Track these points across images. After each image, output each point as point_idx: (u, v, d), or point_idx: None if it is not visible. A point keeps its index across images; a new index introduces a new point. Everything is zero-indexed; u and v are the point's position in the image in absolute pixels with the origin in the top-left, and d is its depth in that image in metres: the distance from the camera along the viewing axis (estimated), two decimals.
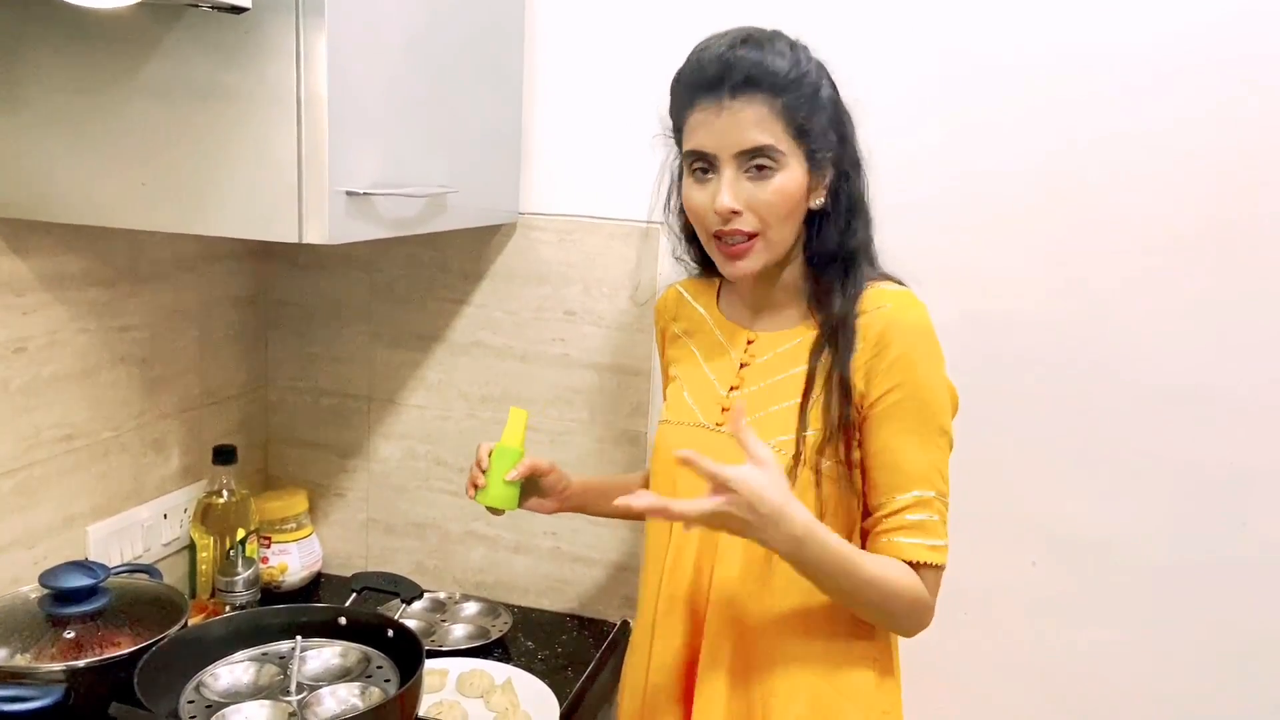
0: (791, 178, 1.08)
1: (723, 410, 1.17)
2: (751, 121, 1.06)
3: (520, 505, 1.28)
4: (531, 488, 1.29)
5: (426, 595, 1.54)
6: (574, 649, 1.54)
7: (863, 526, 1.12)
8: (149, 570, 1.28)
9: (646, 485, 1.33)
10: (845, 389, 1.09)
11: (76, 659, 1.08)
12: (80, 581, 1.11)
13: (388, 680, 1.12)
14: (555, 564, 1.69)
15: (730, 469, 0.97)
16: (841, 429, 1.09)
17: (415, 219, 1.32)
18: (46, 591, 1.12)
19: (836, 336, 1.10)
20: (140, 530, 1.48)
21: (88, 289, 1.35)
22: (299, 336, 1.75)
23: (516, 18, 1.54)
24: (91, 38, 1.12)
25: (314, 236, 1.12)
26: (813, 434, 1.10)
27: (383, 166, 1.22)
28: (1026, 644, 1.51)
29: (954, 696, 1.53)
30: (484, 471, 1.25)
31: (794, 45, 1.10)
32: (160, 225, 1.16)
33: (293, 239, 1.12)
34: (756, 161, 1.07)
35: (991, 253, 1.44)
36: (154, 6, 1.08)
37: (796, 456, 1.10)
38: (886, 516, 1.08)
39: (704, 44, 1.11)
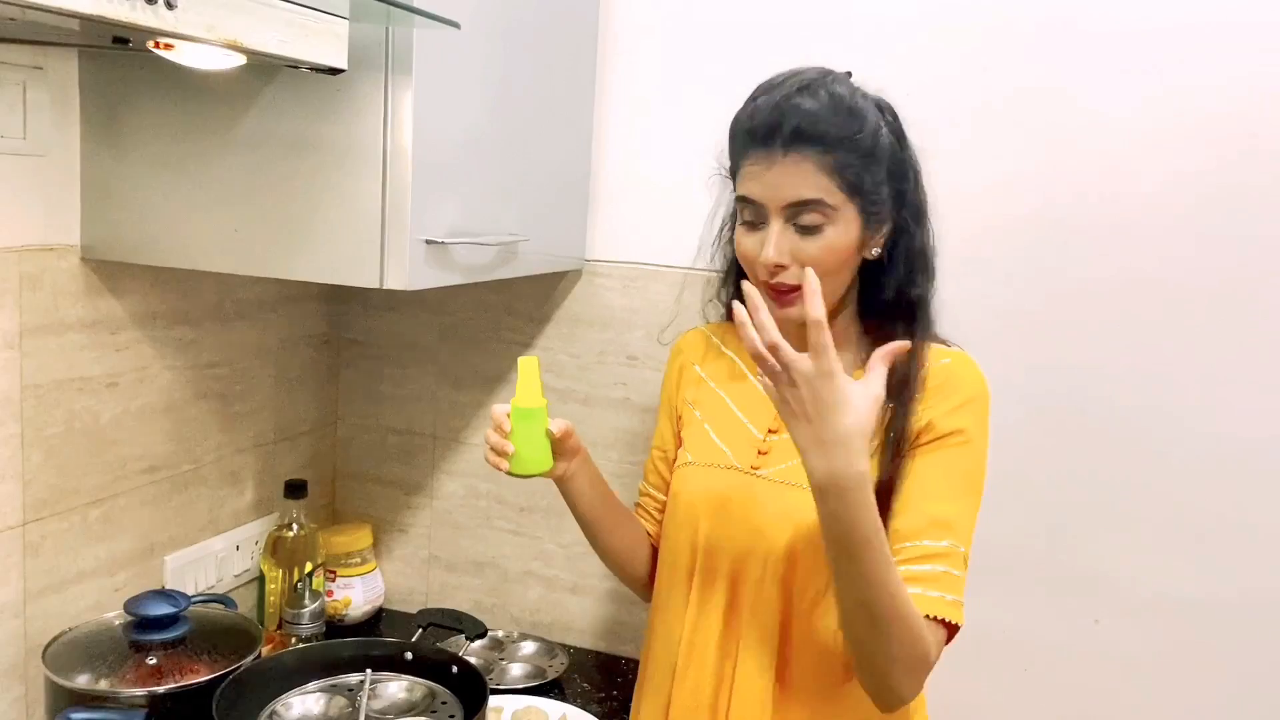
0: (842, 232, 1.06)
1: (759, 454, 1.15)
2: (801, 176, 1.05)
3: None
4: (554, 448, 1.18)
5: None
6: (630, 692, 1.55)
7: None
8: (224, 600, 1.33)
9: (654, 541, 1.30)
10: (899, 446, 1.06)
11: (157, 685, 1.12)
12: (163, 610, 1.16)
13: (452, 716, 1.15)
14: (613, 606, 1.70)
15: (800, 360, 0.91)
16: (891, 482, 1.06)
17: (487, 266, 1.37)
18: (130, 619, 1.16)
19: (900, 390, 1.07)
20: (214, 561, 1.53)
21: (175, 327, 1.42)
22: (369, 375, 1.80)
23: (588, 67, 1.59)
24: (192, 91, 1.19)
25: (394, 283, 1.17)
26: None
27: (459, 216, 1.26)
28: (1089, 700, 1.49)
29: None
30: (508, 436, 1.14)
31: (853, 94, 1.07)
32: (250, 270, 1.22)
33: (374, 285, 1.17)
34: (804, 217, 1.05)
35: (1058, 302, 1.44)
36: (253, 65, 1.14)
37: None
38: (910, 561, 1.02)
39: (763, 86, 1.10)
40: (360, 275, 1.18)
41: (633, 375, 1.64)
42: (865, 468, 0.91)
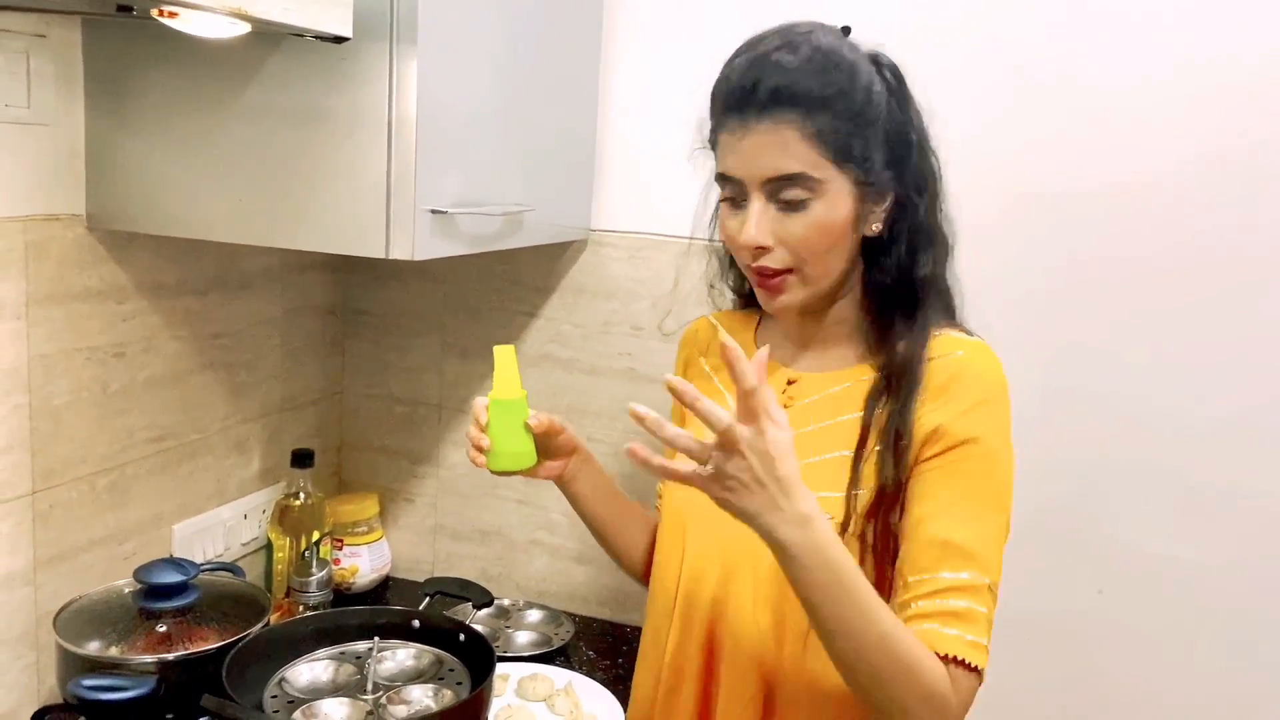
0: (832, 208, 0.94)
1: None
2: (781, 146, 0.92)
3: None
4: (540, 447, 1.10)
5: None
6: (636, 659, 1.57)
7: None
8: (233, 569, 1.34)
9: (653, 534, 1.21)
10: (899, 449, 0.94)
11: (167, 652, 1.13)
12: (173, 578, 1.17)
13: (459, 683, 1.16)
14: (618, 574, 1.70)
15: (739, 423, 0.80)
16: (895, 490, 0.94)
17: (493, 236, 1.36)
18: (140, 586, 1.18)
19: (898, 381, 0.96)
20: (222, 530, 1.54)
21: (182, 297, 1.42)
22: (374, 345, 1.81)
23: (594, 38, 1.58)
24: (197, 60, 1.18)
25: (399, 253, 1.17)
26: (864, 493, 0.95)
27: (464, 186, 1.26)
28: (1095, 672, 1.51)
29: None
30: (485, 429, 1.07)
31: (841, 47, 0.95)
32: (255, 239, 1.22)
33: (380, 254, 1.17)
34: (787, 193, 0.94)
35: (1062, 277, 1.44)
36: (258, 33, 1.13)
37: (846, 519, 0.94)
38: (923, 597, 0.89)
39: (745, 44, 0.98)
40: (365, 245, 1.18)
41: (638, 346, 1.64)
42: (815, 504, 0.83)
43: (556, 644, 1.57)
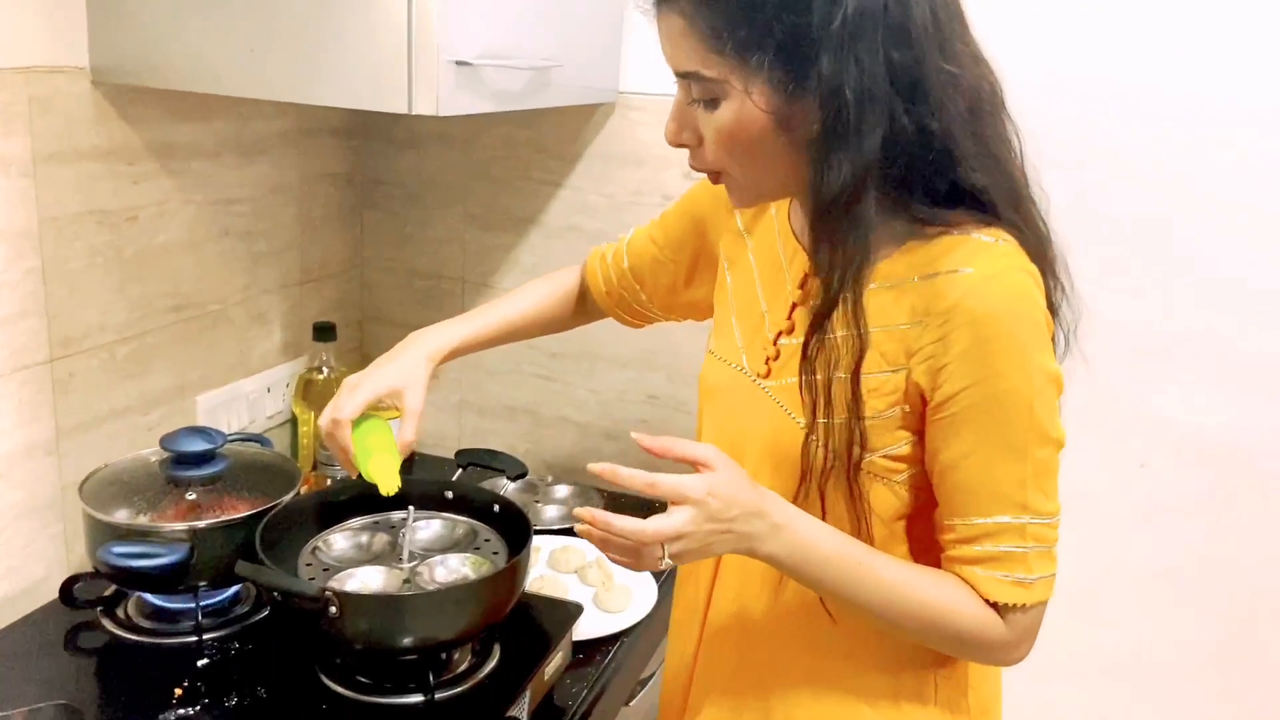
0: (740, 109, 0.80)
1: (767, 361, 0.94)
2: (674, 41, 0.82)
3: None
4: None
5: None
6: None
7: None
8: (260, 440, 1.31)
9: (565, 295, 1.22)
10: (822, 312, 0.83)
11: (198, 520, 1.11)
12: (200, 446, 1.14)
13: (495, 553, 1.14)
14: (647, 455, 1.69)
15: (682, 482, 0.80)
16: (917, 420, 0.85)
17: (520, 93, 1.29)
18: (167, 455, 1.15)
19: (821, 321, 0.83)
20: (245, 402, 1.52)
21: (193, 160, 1.35)
22: (394, 216, 1.74)
23: None
24: None
25: (423, 108, 1.10)
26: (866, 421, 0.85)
27: (490, 36, 1.18)
28: (1139, 548, 1.48)
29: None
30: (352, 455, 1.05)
31: None
32: (268, 93, 1.15)
33: (401, 109, 1.10)
34: (695, 89, 0.82)
35: (1105, 145, 1.36)
36: None
37: (849, 450, 0.85)
38: (958, 542, 0.84)
39: None
40: (386, 99, 1.11)
41: None
42: (779, 504, 0.84)
43: None
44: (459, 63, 1.12)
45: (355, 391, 1.07)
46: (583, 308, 1.25)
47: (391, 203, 1.74)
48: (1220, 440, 1.41)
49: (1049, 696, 1.48)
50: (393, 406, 1.09)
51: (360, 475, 1.06)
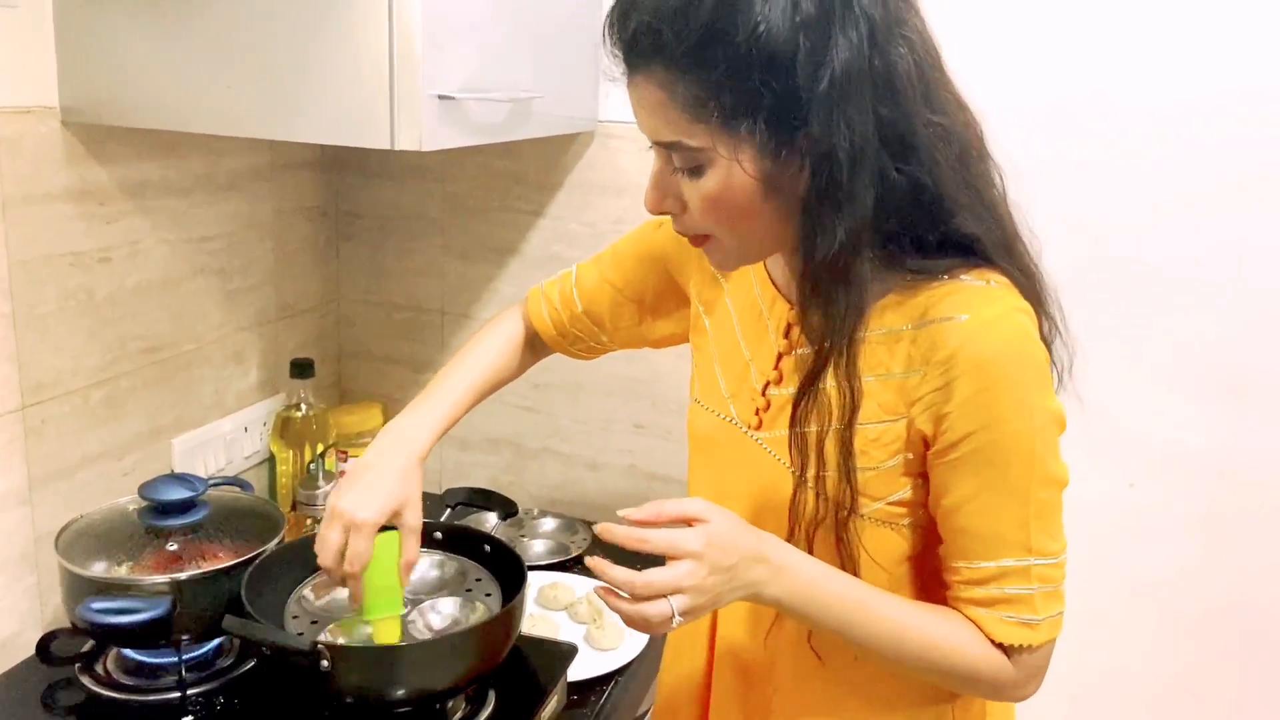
0: (728, 176, 0.77)
1: (757, 412, 0.91)
2: (651, 109, 0.78)
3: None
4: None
5: None
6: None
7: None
8: (241, 483, 1.27)
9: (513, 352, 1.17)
10: (823, 356, 0.81)
11: (179, 571, 1.07)
12: (180, 494, 1.10)
13: (488, 594, 1.11)
14: (631, 480, 1.67)
15: (676, 535, 0.79)
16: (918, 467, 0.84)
17: (500, 125, 1.27)
18: (146, 504, 1.11)
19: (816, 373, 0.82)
20: (222, 443, 1.48)
21: (165, 198, 1.32)
22: (371, 249, 1.72)
23: None
24: None
25: (406, 143, 1.08)
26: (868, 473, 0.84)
27: (471, 70, 1.16)
28: (1122, 568, 1.49)
29: None
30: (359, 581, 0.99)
31: None
32: (245, 130, 1.12)
33: (384, 145, 1.08)
34: (676, 158, 0.79)
35: (1094, 157, 1.37)
36: None
37: (847, 499, 0.84)
38: (963, 584, 0.83)
39: None
40: (368, 135, 1.08)
41: None
42: (779, 546, 0.82)
43: (574, 552, 1.53)
44: (441, 96, 1.10)
45: (360, 532, 0.98)
46: (531, 350, 1.20)
47: (368, 235, 1.71)
48: (1208, 460, 1.41)
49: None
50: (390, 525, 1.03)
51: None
